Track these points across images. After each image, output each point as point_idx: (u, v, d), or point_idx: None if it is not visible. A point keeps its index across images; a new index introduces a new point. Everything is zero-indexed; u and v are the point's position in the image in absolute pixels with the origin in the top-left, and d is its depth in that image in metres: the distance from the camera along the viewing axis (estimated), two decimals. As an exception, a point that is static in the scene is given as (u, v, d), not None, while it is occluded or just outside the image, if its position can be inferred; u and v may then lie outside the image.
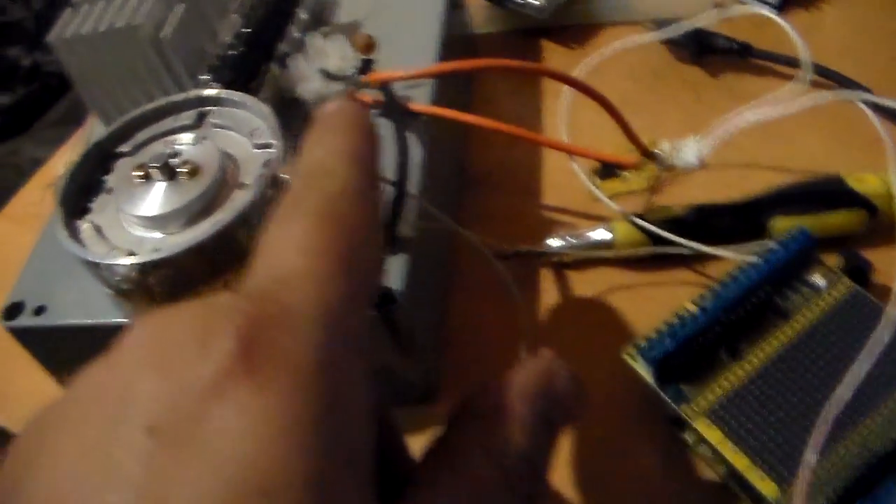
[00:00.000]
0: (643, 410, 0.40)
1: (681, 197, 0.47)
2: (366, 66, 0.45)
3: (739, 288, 0.39)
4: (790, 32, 0.45)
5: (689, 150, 0.42)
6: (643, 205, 0.46)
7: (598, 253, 0.45)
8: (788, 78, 0.51)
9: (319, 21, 0.53)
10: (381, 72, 0.44)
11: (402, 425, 0.39)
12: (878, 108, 0.48)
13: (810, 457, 0.33)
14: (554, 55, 0.56)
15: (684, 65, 0.55)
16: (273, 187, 0.35)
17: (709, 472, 0.38)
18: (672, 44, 0.55)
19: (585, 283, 0.45)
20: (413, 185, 0.41)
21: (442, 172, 0.47)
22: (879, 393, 0.37)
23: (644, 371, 0.39)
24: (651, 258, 0.45)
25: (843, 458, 0.35)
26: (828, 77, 0.51)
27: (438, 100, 0.46)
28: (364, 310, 0.25)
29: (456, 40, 0.54)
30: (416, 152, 0.43)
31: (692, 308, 0.39)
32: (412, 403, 0.42)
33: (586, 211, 0.47)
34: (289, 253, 0.24)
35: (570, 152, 0.45)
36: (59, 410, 0.22)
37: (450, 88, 0.49)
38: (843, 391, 0.34)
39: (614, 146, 0.45)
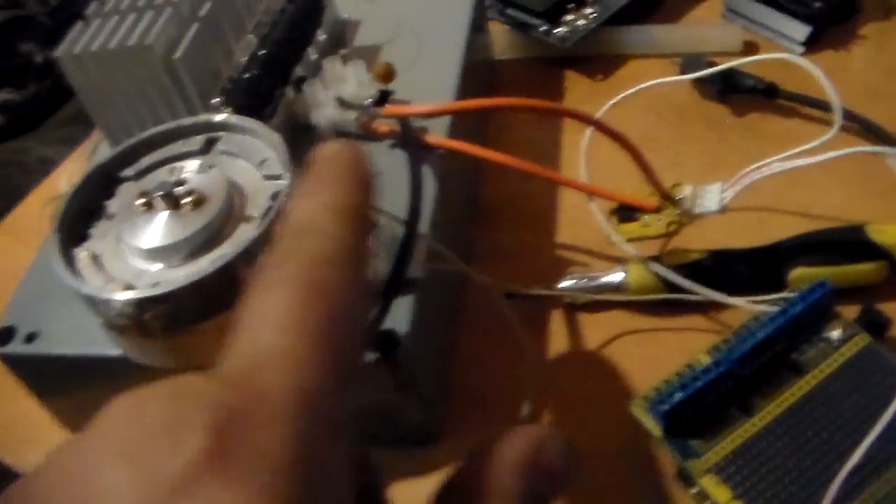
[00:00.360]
0: (651, 464, 0.39)
1: (697, 239, 0.46)
2: (383, 97, 0.44)
3: (754, 341, 0.38)
4: (818, 75, 0.44)
5: (711, 197, 0.41)
6: (659, 247, 0.45)
7: (611, 296, 0.44)
8: (815, 120, 0.50)
9: (339, 43, 0.52)
10: (398, 105, 0.43)
11: (405, 467, 0.38)
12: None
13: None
14: (577, 86, 0.55)
15: (709, 102, 0.54)
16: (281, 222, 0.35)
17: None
18: (697, 80, 0.53)
19: (596, 327, 0.44)
20: (424, 223, 0.40)
21: (453, 207, 0.46)
22: (889, 449, 0.36)
23: (652, 424, 0.38)
24: (665, 303, 0.44)
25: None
26: (855, 121, 0.49)
27: (455, 131, 0.45)
28: (348, 387, 0.24)
29: (477, 66, 0.53)
30: (430, 188, 0.42)
31: (704, 360, 0.39)
32: (414, 445, 0.41)
33: (601, 251, 0.46)
34: (267, 330, 0.23)
35: (589, 192, 0.43)
36: (25, 494, 0.21)
37: (467, 118, 0.48)
38: (858, 454, 0.33)
39: (634, 186, 0.44)
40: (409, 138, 0.41)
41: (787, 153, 0.40)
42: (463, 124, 0.46)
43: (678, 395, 0.37)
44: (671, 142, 0.52)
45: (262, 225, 0.34)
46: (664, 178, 0.44)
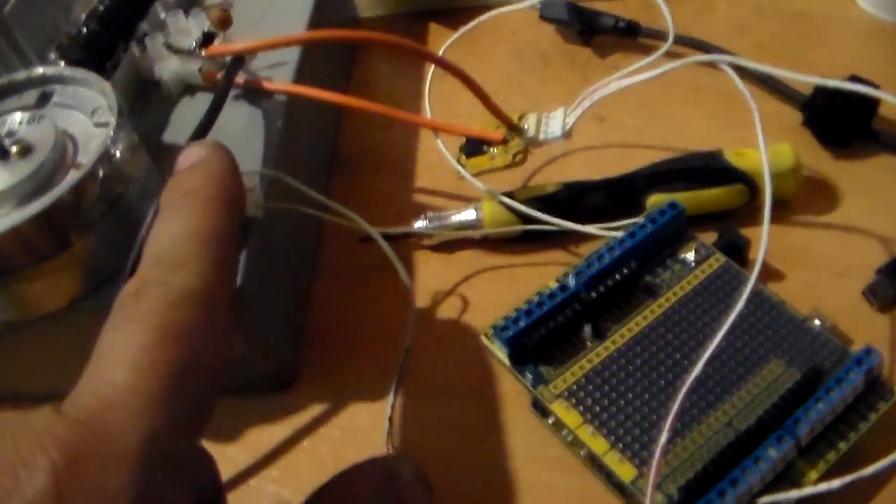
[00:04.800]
0: (508, 396, 0.38)
1: (559, 177, 0.45)
2: (207, 40, 0.42)
3: (601, 264, 0.37)
4: (660, 5, 0.43)
5: (555, 123, 0.40)
6: (514, 182, 0.44)
7: (467, 234, 0.43)
8: (676, 56, 0.49)
9: (192, 1, 0.51)
10: (221, 45, 0.41)
11: (259, 413, 0.37)
12: (757, 80, 0.46)
13: (663, 437, 0.30)
14: (440, 38, 0.54)
15: (573, 45, 0.53)
16: (106, 165, 0.34)
17: (572, 457, 0.36)
18: (560, 24, 0.52)
19: (453, 266, 0.43)
20: (260, 163, 0.39)
21: (305, 154, 0.45)
22: (744, 372, 0.35)
23: (500, 352, 0.36)
24: (522, 239, 0.43)
25: (706, 439, 0.34)
26: (700, 48, 0.50)
27: (302, 79, 0.43)
28: (197, 433, 0.24)
29: (338, 23, 0.52)
30: (272, 132, 0.40)
31: (553, 286, 0.37)
32: (267, 392, 0.40)
33: (457, 192, 0.45)
34: (119, 368, 0.22)
35: (433, 128, 0.42)
36: None
37: (318, 68, 0.47)
38: (699, 367, 0.31)
39: (484, 123, 0.43)
40: (226, 78, 0.40)
41: (625, 71, 0.39)
42: (314, 75, 0.44)
43: (522, 321, 0.36)
44: (535, 84, 0.51)
45: (82, 172, 0.33)
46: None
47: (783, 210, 0.43)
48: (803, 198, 0.44)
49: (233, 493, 0.37)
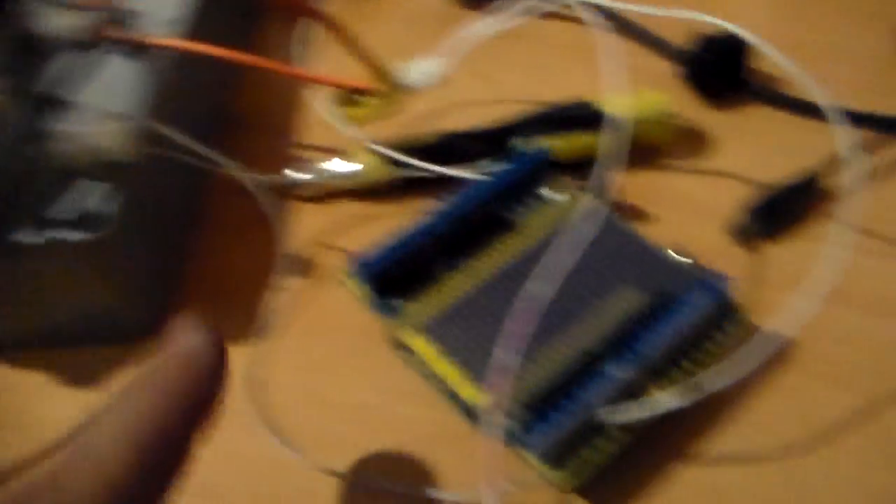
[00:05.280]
0: (370, 333, 0.38)
1: (436, 127, 0.45)
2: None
3: (463, 202, 0.38)
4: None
5: (425, 70, 0.40)
6: (395, 134, 0.45)
7: (344, 184, 0.43)
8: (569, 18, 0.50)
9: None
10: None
11: (128, 362, 0.38)
12: (634, 35, 0.47)
13: (503, 355, 0.31)
14: (330, 3, 0.54)
15: (461, 11, 0.54)
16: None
17: (430, 390, 0.36)
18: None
19: (331, 216, 0.43)
20: (131, 107, 0.39)
21: (191, 109, 0.45)
22: (595, 299, 0.36)
23: (358, 287, 0.37)
24: (398, 188, 0.43)
25: (553, 362, 0.34)
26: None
27: (194, 37, 0.43)
28: None
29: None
30: (153, 84, 0.41)
31: (414, 224, 0.38)
32: (137, 340, 0.40)
33: (336, 144, 0.45)
34: None
35: (310, 80, 0.43)
36: None
37: (213, 29, 0.47)
38: (534, 285, 0.32)
39: (364, 77, 0.43)
40: (96, 28, 0.40)
41: (489, 19, 0.40)
42: (204, 33, 0.44)
43: (379, 257, 0.36)
44: (420, 45, 0.52)
45: None
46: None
47: (656, 156, 0.44)
48: (677, 145, 0.44)
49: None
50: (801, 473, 0.34)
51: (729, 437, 0.35)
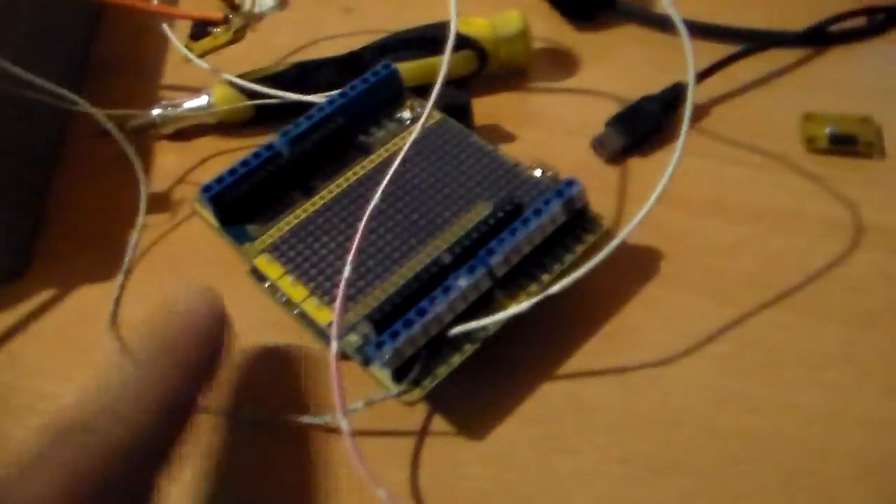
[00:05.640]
0: (230, 264, 0.37)
1: (294, 58, 0.45)
2: None
3: (309, 122, 0.37)
4: None
5: (269, -7, 0.40)
6: (251, 66, 0.44)
7: (200, 118, 0.42)
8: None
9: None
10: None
11: None
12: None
13: (345, 271, 0.30)
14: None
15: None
16: None
17: (287, 317, 0.35)
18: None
19: (190, 152, 0.43)
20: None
21: (48, 50, 0.44)
22: (450, 216, 0.36)
23: (208, 214, 0.36)
24: (256, 120, 0.42)
25: (405, 279, 0.34)
26: None
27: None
28: None
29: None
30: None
31: (260, 146, 0.37)
32: (4, 284, 0.39)
33: (193, 81, 0.44)
34: None
35: (158, 14, 0.42)
36: None
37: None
38: (376, 195, 0.31)
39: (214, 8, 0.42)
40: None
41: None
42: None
43: (227, 180, 0.36)
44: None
45: None
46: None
47: (519, 77, 0.44)
48: (541, 66, 0.44)
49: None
50: (667, 384, 0.34)
51: (598, 352, 0.35)
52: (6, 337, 0.37)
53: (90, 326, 0.37)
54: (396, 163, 0.32)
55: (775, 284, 0.36)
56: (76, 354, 0.36)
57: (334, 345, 0.30)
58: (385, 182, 0.31)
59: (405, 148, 0.32)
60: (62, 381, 0.36)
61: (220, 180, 0.35)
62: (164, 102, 0.43)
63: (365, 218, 0.31)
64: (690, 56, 0.34)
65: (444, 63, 0.33)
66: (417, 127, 0.32)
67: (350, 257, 0.31)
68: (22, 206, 0.41)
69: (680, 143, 0.33)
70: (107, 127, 0.39)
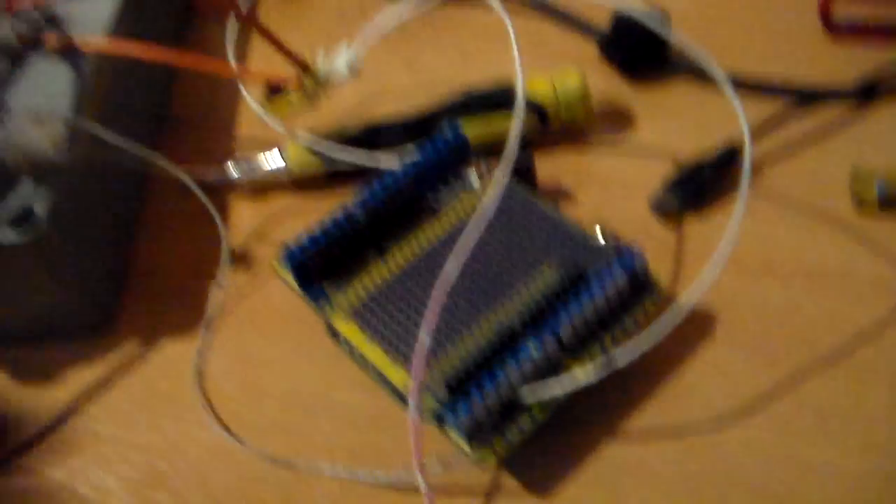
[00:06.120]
0: (308, 323, 0.40)
1: (366, 117, 0.47)
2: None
3: (383, 188, 0.39)
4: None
5: (340, 59, 0.42)
6: (321, 127, 0.46)
7: (276, 177, 0.44)
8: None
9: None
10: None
11: (82, 355, 0.40)
12: (555, 16, 0.48)
13: (422, 336, 0.32)
14: (267, 2, 0.55)
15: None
16: None
17: (364, 375, 0.38)
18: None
19: (265, 208, 0.45)
20: (64, 109, 0.40)
21: (127, 109, 0.46)
22: (515, 280, 0.37)
23: (288, 276, 0.38)
24: (329, 177, 0.44)
25: (475, 342, 0.35)
26: None
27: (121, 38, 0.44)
28: None
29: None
30: (85, 86, 0.42)
31: (337, 211, 0.39)
32: (85, 336, 0.41)
33: (267, 138, 0.46)
34: None
35: (235, 76, 0.44)
36: None
37: (141, 29, 0.48)
38: (449, 266, 0.33)
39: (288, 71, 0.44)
40: (31, 33, 0.41)
41: (399, 6, 0.41)
42: (139, 34, 0.45)
43: (306, 245, 0.38)
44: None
45: None
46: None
47: (578, 136, 0.45)
48: (599, 124, 0.46)
49: (56, 433, 0.39)
50: (722, 445, 0.35)
51: (654, 412, 0.36)
52: (96, 388, 0.40)
53: (175, 380, 0.39)
54: (468, 235, 0.33)
55: (826, 345, 0.37)
56: (164, 407, 0.39)
57: (413, 410, 0.32)
58: (459, 254, 0.33)
59: (478, 223, 0.34)
60: (152, 434, 0.38)
61: (300, 245, 0.37)
62: (239, 160, 0.45)
63: (439, 289, 0.33)
64: (745, 124, 0.36)
65: (512, 137, 0.35)
66: (491, 203, 0.34)
67: (427, 327, 0.33)
68: (107, 261, 0.43)
69: (738, 210, 0.35)
70: (187, 183, 0.41)
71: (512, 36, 0.36)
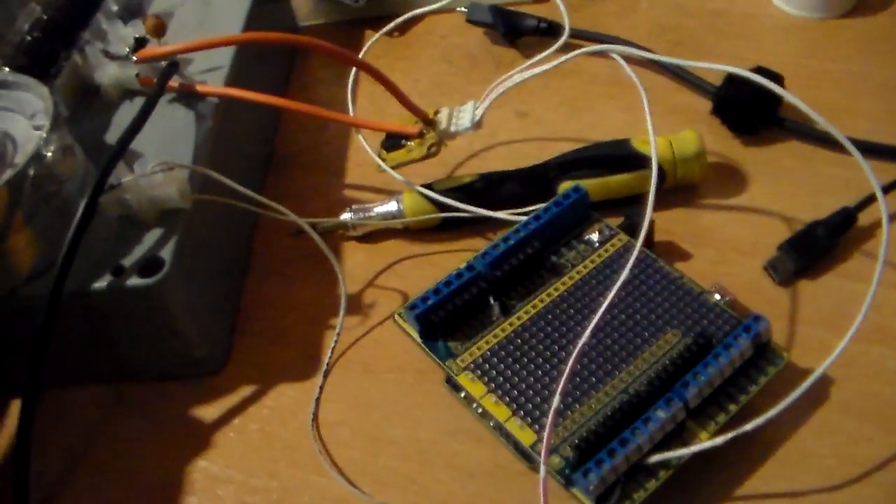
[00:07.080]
0: (425, 373, 0.40)
1: (479, 168, 0.47)
2: (140, 46, 0.45)
3: (507, 245, 0.39)
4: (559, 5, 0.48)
5: (464, 115, 0.42)
6: (438, 176, 0.47)
7: (390, 224, 0.45)
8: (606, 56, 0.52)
9: (134, 13, 0.53)
10: (151, 49, 0.44)
11: (194, 396, 0.41)
12: (671, 73, 0.49)
13: (555, 401, 0.32)
14: (376, 46, 0.56)
15: (500, 47, 0.55)
16: (38, 165, 0.36)
17: (482, 428, 0.38)
18: (487, 27, 0.55)
19: (378, 255, 0.45)
20: (191, 160, 0.41)
21: (239, 153, 0.47)
22: (641, 342, 0.38)
23: (412, 329, 0.38)
24: (441, 227, 0.45)
25: (602, 405, 0.36)
26: (597, 40, 0.54)
27: (235, 83, 0.45)
28: None
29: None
30: (205, 132, 0.43)
31: (461, 267, 0.39)
32: (200, 376, 0.42)
33: (382, 185, 0.47)
34: None
35: (354, 125, 0.44)
36: None
37: (253, 73, 0.49)
38: (587, 334, 0.34)
39: (406, 121, 0.45)
40: (159, 81, 0.42)
41: (526, 63, 0.42)
42: (248, 79, 0.46)
43: (431, 300, 0.38)
44: (462, 84, 0.54)
45: (13, 171, 0.36)
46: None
47: (691, 193, 0.45)
48: (712, 182, 0.46)
49: (167, 471, 0.39)
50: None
51: (771, 476, 0.36)
52: (211, 428, 0.40)
53: (291, 425, 0.40)
54: (605, 305, 0.34)
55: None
56: (279, 452, 0.39)
57: (543, 471, 0.32)
58: (595, 321, 0.34)
59: (614, 291, 0.34)
60: (268, 478, 0.38)
61: (424, 299, 0.38)
62: (354, 206, 0.45)
63: (575, 354, 0.33)
64: (877, 184, 0.36)
65: (649, 204, 0.35)
66: (628, 269, 0.34)
67: (560, 389, 0.33)
68: (221, 301, 0.43)
69: (876, 279, 0.35)
70: (304, 228, 0.42)
71: (645, 103, 0.37)
